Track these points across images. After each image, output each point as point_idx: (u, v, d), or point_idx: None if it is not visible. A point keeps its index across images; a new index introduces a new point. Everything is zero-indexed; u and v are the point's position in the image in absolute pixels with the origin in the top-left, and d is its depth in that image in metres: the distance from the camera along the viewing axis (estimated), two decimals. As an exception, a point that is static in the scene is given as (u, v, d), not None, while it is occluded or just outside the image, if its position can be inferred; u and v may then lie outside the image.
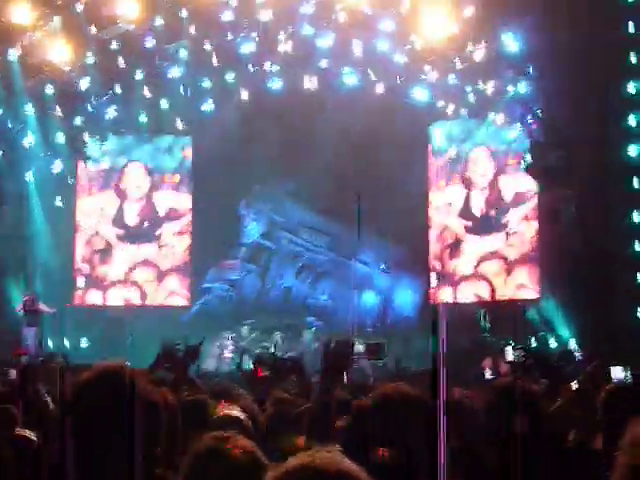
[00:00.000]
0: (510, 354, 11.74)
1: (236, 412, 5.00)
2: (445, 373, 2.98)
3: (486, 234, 27.46)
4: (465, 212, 28.11)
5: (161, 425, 2.96)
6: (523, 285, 26.56)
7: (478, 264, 27.61)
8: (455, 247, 28.30)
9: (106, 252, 29.60)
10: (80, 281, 29.28)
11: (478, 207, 27.84)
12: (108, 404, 2.84)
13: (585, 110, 22.26)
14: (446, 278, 28.25)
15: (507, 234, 26.88)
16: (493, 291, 27.11)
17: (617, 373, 6.04)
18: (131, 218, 29.97)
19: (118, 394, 2.84)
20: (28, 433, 5.40)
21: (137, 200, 30.16)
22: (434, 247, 28.76)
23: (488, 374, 19.32)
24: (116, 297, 29.40)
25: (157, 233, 29.98)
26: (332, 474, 2.13)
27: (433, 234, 28.90)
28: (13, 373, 7.41)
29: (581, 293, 22.38)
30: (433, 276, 28.24)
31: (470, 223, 27.98)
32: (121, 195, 30.10)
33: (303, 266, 30.54)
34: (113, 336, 26.10)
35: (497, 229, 27.24)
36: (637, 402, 4.62)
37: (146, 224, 29.98)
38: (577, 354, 17.60)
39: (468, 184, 28.14)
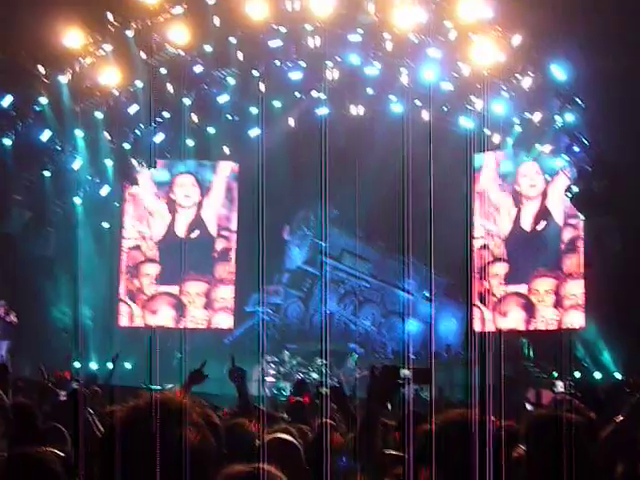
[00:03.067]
0: (559, 386, 11.70)
1: (288, 436, 5.03)
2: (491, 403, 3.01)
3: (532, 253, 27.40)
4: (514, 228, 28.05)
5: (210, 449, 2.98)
6: (569, 312, 26.40)
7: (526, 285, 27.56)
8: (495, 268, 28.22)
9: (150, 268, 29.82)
10: (124, 304, 29.49)
11: (527, 221, 27.71)
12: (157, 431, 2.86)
13: (631, 140, 22.11)
14: (488, 301, 28.10)
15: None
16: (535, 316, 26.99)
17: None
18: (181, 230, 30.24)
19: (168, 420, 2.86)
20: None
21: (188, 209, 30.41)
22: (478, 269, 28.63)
23: (529, 406, 19.17)
24: (161, 317, 29.56)
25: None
26: None
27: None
28: (63, 395, 7.50)
29: (626, 324, 22.17)
30: (477, 302, 28.12)
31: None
32: (171, 206, 30.33)
33: (346, 292, 30.58)
34: (159, 358, 26.14)
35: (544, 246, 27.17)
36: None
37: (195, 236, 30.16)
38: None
39: (517, 197, 27.99)
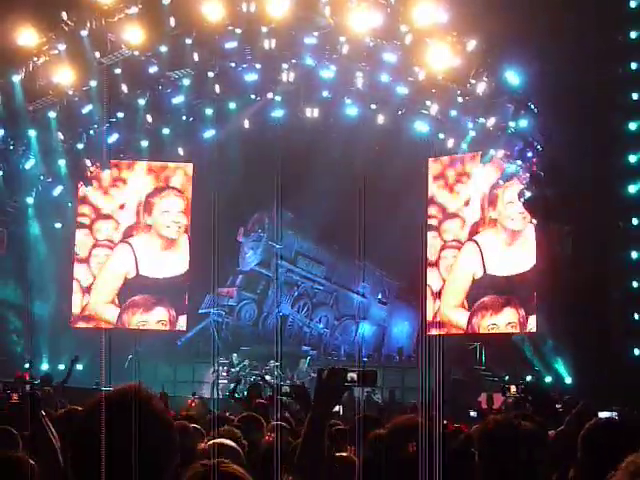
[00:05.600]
0: (512, 389, 11.77)
1: (228, 441, 5.02)
2: (440, 405, 3.02)
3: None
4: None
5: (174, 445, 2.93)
6: (519, 318, 26.54)
7: (474, 295, 27.60)
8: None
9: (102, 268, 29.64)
10: (76, 302, 29.27)
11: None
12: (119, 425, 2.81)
13: (585, 147, 22.31)
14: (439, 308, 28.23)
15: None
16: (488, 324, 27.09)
17: (605, 415, 6.04)
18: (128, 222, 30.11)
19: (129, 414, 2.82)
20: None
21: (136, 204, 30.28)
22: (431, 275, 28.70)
23: (472, 412, 19.21)
24: (111, 318, 29.41)
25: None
26: None
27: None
28: (14, 397, 7.40)
29: (577, 329, 22.35)
30: (429, 306, 28.21)
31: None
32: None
33: (300, 295, 30.60)
34: (111, 359, 25.88)
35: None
36: (617, 438, 4.64)
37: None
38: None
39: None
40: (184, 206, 30.19)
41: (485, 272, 27.33)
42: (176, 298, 29.79)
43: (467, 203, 28.06)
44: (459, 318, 27.62)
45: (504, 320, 26.79)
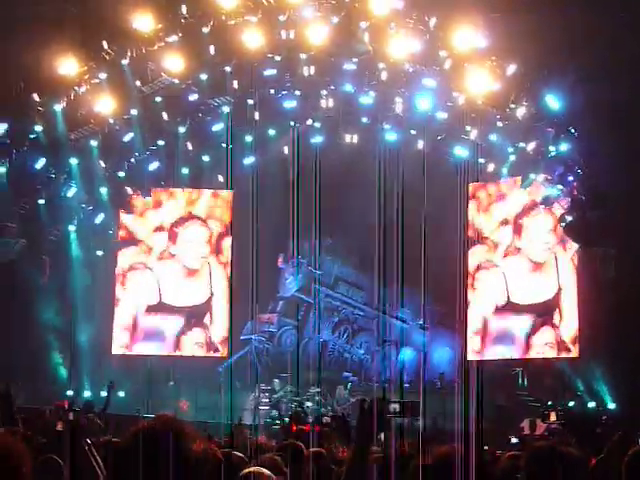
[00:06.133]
0: (552, 417, 11.70)
1: (266, 471, 4.98)
2: (480, 432, 2.99)
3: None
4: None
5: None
6: (564, 344, 26.31)
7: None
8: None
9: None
10: (118, 331, 29.38)
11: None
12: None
13: (625, 170, 22.14)
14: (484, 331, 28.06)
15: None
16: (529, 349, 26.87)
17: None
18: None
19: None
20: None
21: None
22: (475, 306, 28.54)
23: (514, 439, 18.97)
24: (152, 347, 29.47)
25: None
26: None
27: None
28: (59, 425, 7.46)
29: (620, 353, 22.12)
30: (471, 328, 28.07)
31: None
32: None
33: (340, 320, 30.53)
34: (152, 386, 25.93)
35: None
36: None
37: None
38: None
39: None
40: (208, 236, 30.15)
41: (508, 300, 27.23)
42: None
43: (501, 225, 27.99)
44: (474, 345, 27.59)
45: (541, 340, 26.57)
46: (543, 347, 26.45)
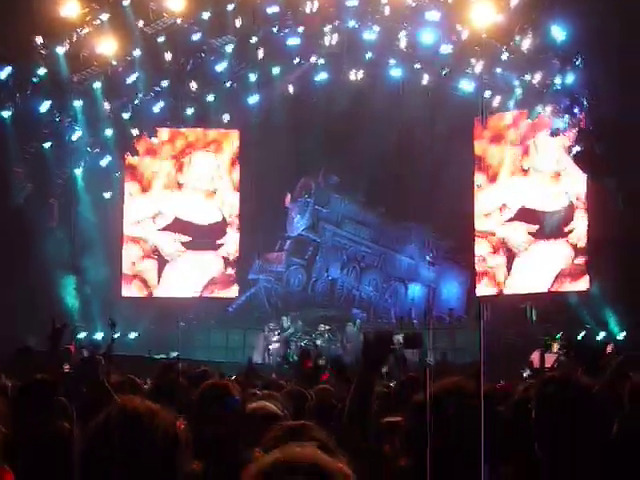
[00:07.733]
0: (555, 347, 11.73)
1: (271, 405, 5.03)
2: (487, 366, 3.00)
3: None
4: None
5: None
6: (572, 276, 26.41)
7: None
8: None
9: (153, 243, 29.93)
10: (127, 275, 29.57)
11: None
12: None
13: (633, 99, 21.96)
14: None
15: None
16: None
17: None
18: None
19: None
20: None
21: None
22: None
23: (526, 373, 19.04)
24: (163, 287, 29.72)
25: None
26: (308, 468, 2.13)
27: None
28: (66, 367, 7.48)
29: (629, 284, 22.13)
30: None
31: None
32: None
33: (348, 259, 30.57)
34: (161, 328, 26.02)
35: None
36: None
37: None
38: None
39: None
40: (216, 165, 30.55)
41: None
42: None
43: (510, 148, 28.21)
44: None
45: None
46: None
